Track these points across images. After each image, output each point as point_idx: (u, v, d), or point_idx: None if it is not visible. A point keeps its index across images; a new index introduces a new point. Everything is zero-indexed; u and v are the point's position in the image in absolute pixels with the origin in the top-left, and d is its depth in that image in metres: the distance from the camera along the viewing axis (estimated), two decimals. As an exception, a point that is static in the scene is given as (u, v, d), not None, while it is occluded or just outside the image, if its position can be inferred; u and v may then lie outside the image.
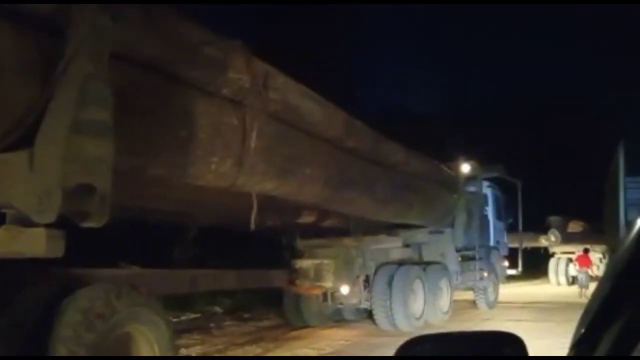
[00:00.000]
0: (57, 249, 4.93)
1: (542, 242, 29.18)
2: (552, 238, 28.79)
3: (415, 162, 12.30)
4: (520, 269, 19.96)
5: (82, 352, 5.09)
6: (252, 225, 7.61)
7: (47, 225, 4.74)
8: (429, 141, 17.66)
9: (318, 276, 11.97)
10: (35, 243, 4.82)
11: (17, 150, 4.54)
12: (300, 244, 12.63)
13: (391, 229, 13.68)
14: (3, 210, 5.06)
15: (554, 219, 29.26)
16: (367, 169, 10.12)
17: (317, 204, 9.63)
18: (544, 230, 28.76)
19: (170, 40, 5.60)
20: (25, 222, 4.75)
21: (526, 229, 21.38)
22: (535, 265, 28.70)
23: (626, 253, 1.10)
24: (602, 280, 1.21)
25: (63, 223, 4.83)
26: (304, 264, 12.13)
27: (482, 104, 44.08)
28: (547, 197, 30.89)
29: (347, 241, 12.50)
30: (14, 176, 4.54)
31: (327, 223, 11.66)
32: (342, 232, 12.41)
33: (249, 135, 6.72)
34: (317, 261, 12.07)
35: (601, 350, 1.09)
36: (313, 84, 8.14)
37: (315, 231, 12.24)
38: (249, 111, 6.72)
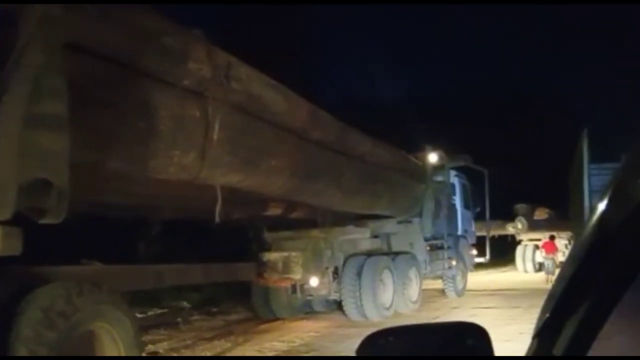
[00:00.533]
0: (14, 247, 4.84)
1: (509, 229, 29.66)
2: (519, 225, 29.20)
3: (382, 152, 12.30)
4: (488, 256, 20.33)
5: (43, 352, 5.07)
6: (217, 219, 7.54)
7: (3, 223, 4.64)
8: (395, 132, 17.64)
9: (286, 268, 11.94)
10: (-9, 241, 4.71)
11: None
12: (267, 236, 12.64)
13: (359, 219, 13.69)
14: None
15: (520, 206, 29.61)
16: (334, 159, 10.09)
17: (283, 196, 9.59)
18: (511, 218, 29.18)
19: (128, 30, 5.50)
20: (-20, 220, 4.64)
21: (493, 217, 21.71)
22: (502, 252, 29.19)
23: (588, 237, 1.09)
24: (564, 266, 1.20)
25: (20, 220, 4.74)
26: (272, 256, 12.10)
27: (446, 94, 44.39)
28: (514, 185, 31.12)
29: (315, 233, 12.50)
30: (-33, 172, 4.42)
31: (295, 215, 11.66)
32: (310, 224, 12.39)
33: (211, 127, 6.64)
34: (285, 253, 12.05)
35: (565, 336, 1.09)
36: (274, 76, 8.08)
37: (282, 223, 12.24)
38: (211, 102, 6.63)
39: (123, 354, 6.04)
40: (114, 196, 7.38)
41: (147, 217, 9.97)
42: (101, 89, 5.36)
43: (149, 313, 12.96)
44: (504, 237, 30.20)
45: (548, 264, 23.52)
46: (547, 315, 1.17)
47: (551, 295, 1.18)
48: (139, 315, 8.32)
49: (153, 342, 10.31)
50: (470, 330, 1.34)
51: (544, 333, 1.18)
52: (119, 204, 8.04)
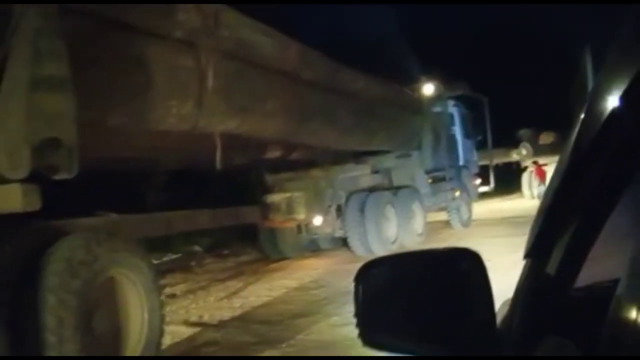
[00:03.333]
0: (34, 203, 5.10)
1: (514, 156, 29.25)
2: (524, 152, 28.82)
3: (375, 87, 12.28)
4: (492, 185, 20.15)
5: (70, 299, 5.24)
6: (218, 165, 7.78)
7: (22, 181, 4.91)
8: (388, 65, 17.50)
9: (290, 209, 12.15)
10: (12, 198, 5.00)
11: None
12: (269, 178, 12.74)
13: (359, 156, 13.79)
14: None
15: (524, 132, 29.18)
16: (328, 98, 10.15)
17: (281, 138, 9.73)
18: (515, 144, 28.78)
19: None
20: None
21: (497, 144, 21.41)
22: (508, 180, 28.46)
23: (570, 154, 1.10)
24: (550, 183, 1.22)
25: (37, 177, 4.99)
26: (275, 198, 12.27)
27: (438, 21, 43.39)
28: (517, 109, 30.31)
29: (316, 172, 12.67)
30: (-20, 136, 4.66)
31: (294, 156, 11.72)
32: (310, 164, 12.53)
33: (205, 76, 6.82)
34: (287, 194, 12.22)
35: (556, 255, 1.14)
36: (259, 18, 8.16)
37: (283, 165, 12.32)
38: (203, 51, 6.77)
39: (144, 298, 6.23)
40: (117, 150, 7.50)
41: (153, 168, 10.10)
42: (95, 47, 5.51)
43: (164, 259, 13.26)
44: (508, 165, 29.78)
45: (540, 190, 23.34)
46: (537, 233, 1.20)
47: (539, 214, 1.21)
48: (155, 261, 8.56)
49: (170, 285, 10.66)
50: (463, 256, 1.34)
51: (535, 252, 1.21)
52: (124, 158, 8.10)
